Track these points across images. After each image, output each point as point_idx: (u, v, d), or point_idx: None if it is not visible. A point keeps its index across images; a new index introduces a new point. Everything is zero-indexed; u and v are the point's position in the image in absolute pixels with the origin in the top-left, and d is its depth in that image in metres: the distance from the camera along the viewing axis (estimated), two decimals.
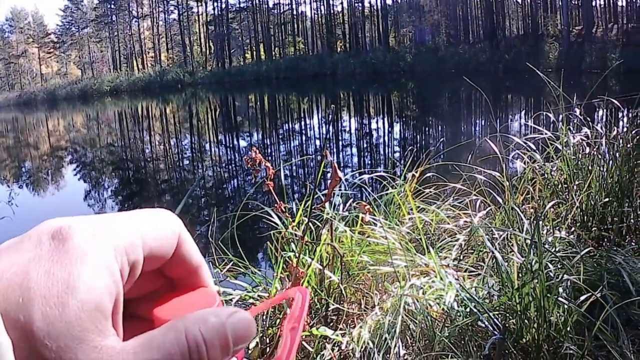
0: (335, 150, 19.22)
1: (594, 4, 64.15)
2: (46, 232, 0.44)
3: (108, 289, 0.43)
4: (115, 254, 0.45)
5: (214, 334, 0.43)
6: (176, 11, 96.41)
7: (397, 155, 16.70)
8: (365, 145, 20.39)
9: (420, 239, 4.31)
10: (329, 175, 3.14)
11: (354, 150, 19.51)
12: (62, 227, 0.44)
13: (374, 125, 26.16)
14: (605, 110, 6.94)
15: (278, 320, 3.67)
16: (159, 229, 0.50)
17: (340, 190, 4.79)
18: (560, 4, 65.58)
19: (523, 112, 24.79)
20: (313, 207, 3.41)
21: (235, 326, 0.45)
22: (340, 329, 3.64)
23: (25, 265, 0.42)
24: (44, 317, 0.40)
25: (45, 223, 0.45)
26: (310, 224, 3.46)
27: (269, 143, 23.51)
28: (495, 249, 3.48)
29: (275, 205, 3.48)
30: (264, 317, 3.61)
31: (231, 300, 3.76)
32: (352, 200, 5.00)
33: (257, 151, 3.29)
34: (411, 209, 4.93)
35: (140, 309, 0.52)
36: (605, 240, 4.78)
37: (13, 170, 23.65)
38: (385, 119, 29.08)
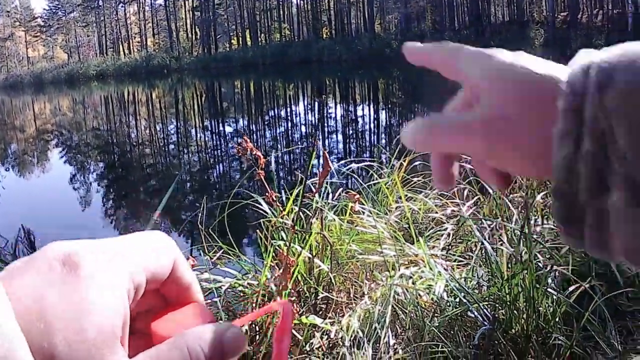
0: (320, 137, 19.24)
1: None
2: (56, 258, 0.46)
3: (119, 312, 0.46)
4: (123, 279, 0.48)
5: (212, 350, 0.48)
6: None
7: (382, 142, 16.72)
8: (350, 132, 20.41)
9: (409, 228, 4.32)
10: (314, 162, 3.15)
11: (340, 137, 19.51)
12: (71, 254, 0.47)
13: (359, 112, 26.14)
14: None
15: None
16: (158, 253, 0.54)
17: (329, 179, 4.80)
18: None
19: None
20: (304, 196, 3.42)
21: (230, 341, 0.50)
22: (329, 318, 3.65)
23: (40, 290, 0.44)
24: (65, 342, 0.42)
25: (52, 248, 0.48)
26: (300, 212, 3.47)
27: (254, 129, 23.50)
28: (485, 239, 3.49)
29: (267, 194, 3.49)
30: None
31: (221, 287, 3.77)
32: (341, 189, 5.02)
33: (248, 140, 3.30)
34: (399, 198, 4.95)
35: (138, 324, 0.55)
36: None
37: None
38: (371, 106, 29.06)
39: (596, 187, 0.48)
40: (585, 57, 0.51)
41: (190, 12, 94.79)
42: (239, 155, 3.31)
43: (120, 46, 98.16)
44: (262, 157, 3.29)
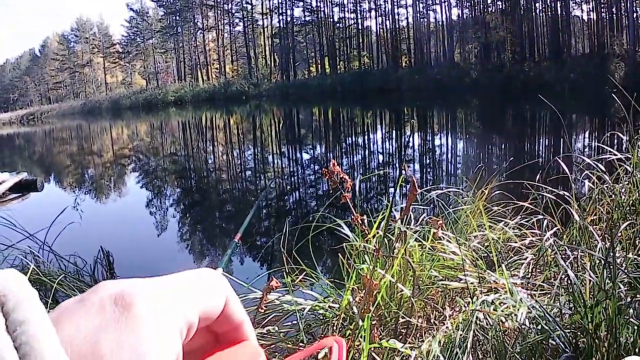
0: (397, 164, 19.23)
1: None
2: (108, 298, 0.48)
3: (172, 353, 0.48)
4: (176, 319, 0.50)
5: None
6: (241, 24, 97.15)
7: (459, 171, 16.64)
8: (428, 161, 20.29)
9: (490, 255, 4.33)
10: (389, 188, 3.18)
11: (417, 165, 19.38)
12: (123, 294, 0.48)
13: (437, 142, 25.96)
14: None
15: None
16: (211, 292, 0.56)
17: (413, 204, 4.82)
18: (626, 22, 64.84)
19: (587, 132, 24.52)
20: (390, 220, 3.45)
21: None
22: (409, 343, 3.67)
23: (93, 332, 0.45)
24: None
25: (103, 287, 0.49)
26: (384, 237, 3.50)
27: (331, 156, 23.42)
28: (568, 267, 3.49)
29: (352, 217, 3.53)
30: None
31: (303, 309, 3.82)
32: (424, 214, 5.05)
33: (336, 164, 3.34)
34: (479, 226, 4.97)
35: None
36: None
37: (76, 176, 23.98)
38: (450, 135, 28.87)
39: None
40: None
41: (269, 39, 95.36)
42: (327, 178, 3.35)
43: (199, 72, 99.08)
44: (349, 180, 3.33)
